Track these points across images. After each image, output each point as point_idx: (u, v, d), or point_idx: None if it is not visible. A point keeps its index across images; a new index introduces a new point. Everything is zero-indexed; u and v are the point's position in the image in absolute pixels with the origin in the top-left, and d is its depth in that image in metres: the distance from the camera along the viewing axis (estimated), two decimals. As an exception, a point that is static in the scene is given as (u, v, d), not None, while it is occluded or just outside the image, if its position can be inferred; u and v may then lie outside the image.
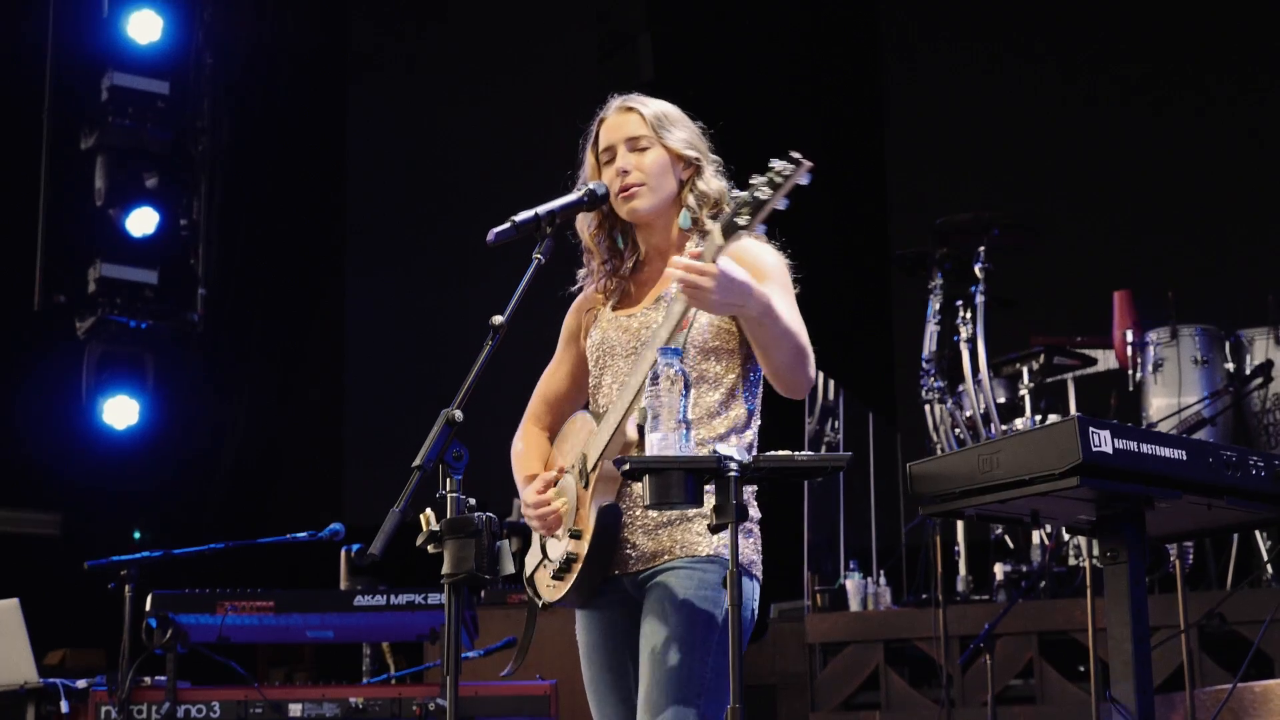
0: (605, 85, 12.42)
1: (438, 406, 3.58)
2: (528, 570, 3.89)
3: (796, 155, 3.37)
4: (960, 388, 9.18)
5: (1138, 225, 11.12)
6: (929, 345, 9.43)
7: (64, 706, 6.83)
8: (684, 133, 3.84)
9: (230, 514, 14.11)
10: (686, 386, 3.43)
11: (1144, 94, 11.62)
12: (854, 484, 9.79)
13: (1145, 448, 2.96)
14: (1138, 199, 11.31)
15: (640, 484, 3.41)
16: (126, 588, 6.61)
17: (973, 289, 9.17)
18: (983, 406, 9.02)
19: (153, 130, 13.60)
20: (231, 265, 14.11)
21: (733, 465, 3.18)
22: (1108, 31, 11.95)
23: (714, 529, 3.29)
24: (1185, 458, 3.02)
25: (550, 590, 3.76)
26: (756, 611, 3.75)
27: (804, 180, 3.38)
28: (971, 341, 9.08)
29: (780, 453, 3.36)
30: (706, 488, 3.32)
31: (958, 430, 9.19)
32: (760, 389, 3.85)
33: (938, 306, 9.45)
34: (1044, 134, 11.97)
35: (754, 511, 3.71)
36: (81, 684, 6.92)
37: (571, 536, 3.71)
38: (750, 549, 3.71)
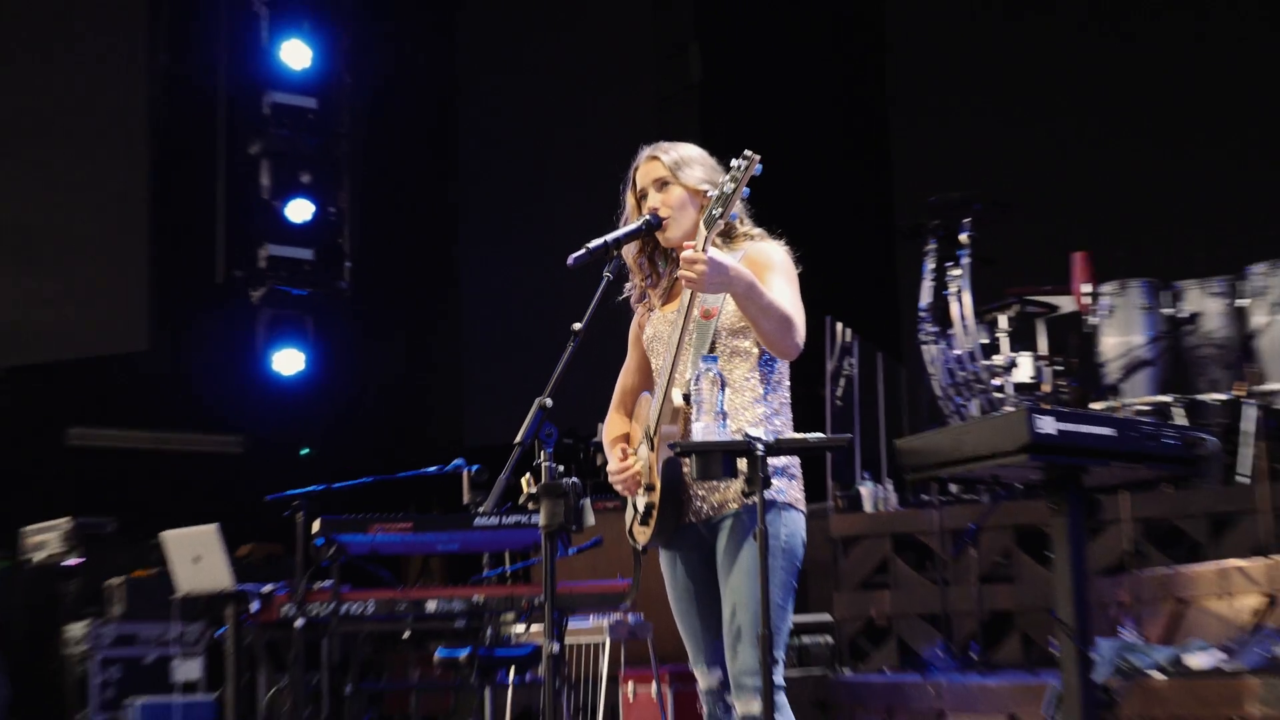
0: (663, 85, 12.52)
1: (536, 353, 3.70)
2: (627, 524, 3.96)
3: (748, 153, 3.53)
4: (950, 331, 9.22)
5: (1095, 196, 11.09)
6: (925, 297, 9.47)
7: (254, 606, 6.99)
8: (699, 170, 3.91)
9: (374, 438, 14.29)
10: (722, 385, 3.52)
11: (1100, 90, 11.54)
12: (866, 410, 9.83)
13: (1080, 428, 3.03)
14: (1096, 173, 11.28)
15: (688, 461, 3.51)
16: (299, 516, 6.75)
17: (959, 252, 9.22)
18: (969, 346, 9.09)
19: (305, 137, 13.74)
20: (370, 243, 14.24)
21: (758, 446, 3.26)
22: (1079, 28, 11.87)
23: (746, 495, 3.38)
24: (1115, 434, 3.08)
25: (643, 534, 3.85)
26: (804, 535, 3.83)
27: (757, 171, 3.55)
28: (959, 294, 9.15)
29: (796, 435, 3.45)
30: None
31: (949, 366, 9.24)
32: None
33: (932, 266, 9.49)
34: (1019, 120, 11.91)
35: (793, 461, 3.78)
36: (267, 588, 7.08)
37: (646, 490, 3.79)
38: (794, 489, 3.79)
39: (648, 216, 3.88)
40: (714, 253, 3.51)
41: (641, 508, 3.83)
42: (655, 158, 3.93)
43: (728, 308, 3.80)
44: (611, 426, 4.05)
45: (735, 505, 3.75)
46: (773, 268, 3.79)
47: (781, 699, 3.57)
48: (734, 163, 3.59)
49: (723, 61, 12.69)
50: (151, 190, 12.48)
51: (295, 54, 13.76)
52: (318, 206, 13.84)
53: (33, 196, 12.04)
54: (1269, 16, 10.87)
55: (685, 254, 3.52)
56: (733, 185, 3.56)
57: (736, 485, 3.70)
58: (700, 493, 3.79)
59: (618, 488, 3.90)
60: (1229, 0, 11.14)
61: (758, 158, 3.56)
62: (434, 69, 14.88)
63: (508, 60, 14.37)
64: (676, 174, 3.89)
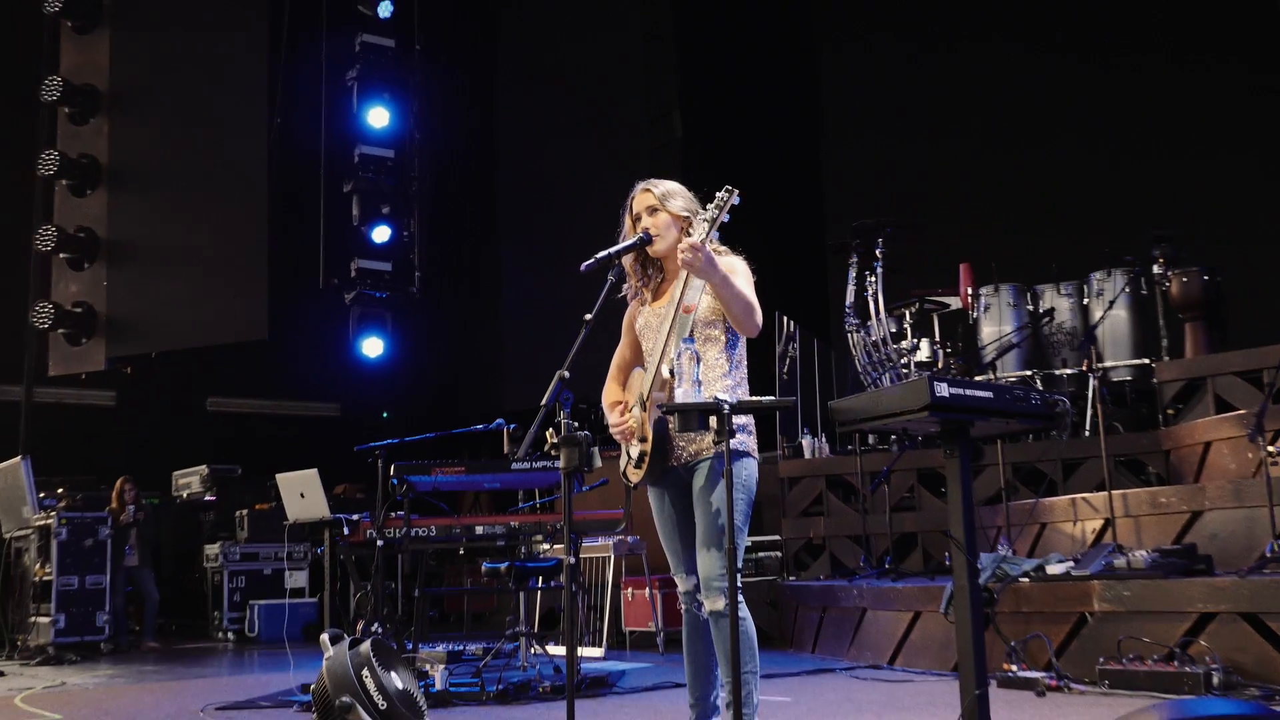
0: (653, 139, 12.48)
1: (561, 338, 3.67)
2: (621, 466, 3.93)
3: (729, 188, 3.56)
4: (868, 323, 9.17)
5: (977, 219, 11.04)
6: (849, 297, 9.41)
7: (345, 530, 6.96)
8: (681, 201, 3.89)
9: (436, 404, 14.32)
10: (698, 361, 3.49)
11: (982, 137, 11.52)
12: (805, 382, 9.80)
13: (967, 391, 2.99)
14: (977, 201, 11.25)
15: (672, 418, 3.47)
16: (379, 461, 6.73)
17: (875, 264, 9.15)
18: (881, 334, 9.04)
19: (385, 179, 13.82)
20: (434, 257, 14.30)
21: (725, 406, 3.23)
22: (968, 91, 11.84)
23: (715, 444, 3.35)
24: (993, 396, 3.04)
25: (635, 475, 3.83)
26: (757, 476, 3.81)
27: (736, 201, 3.59)
28: (875, 295, 9.09)
29: (753, 398, 3.42)
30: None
31: (867, 349, 9.19)
32: (743, 342, 3.90)
33: (854, 274, 9.43)
34: (919, 162, 11.88)
35: (748, 418, 3.77)
36: (355, 517, 7.06)
37: (640, 441, 3.77)
38: (750, 442, 3.77)
39: (641, 234, 3.85)
40: (708, 251, 3.54)
41: (635, 455, 3.82)
42: (648, 190, 3.91)
43: (702, 304, 3.80)
44: (609, 393, 4.03)
45: (708, 453, 3.73)
46: (737, 273, 3.79)
47: (740, 598, 3.56)
48: (719, 195, 3.62)
49: (698, 122, 12.71)
50: (270, 218, 12.49)
51: (377, 116, 13.80)
52: (394, 231, 13.88)
53: (182, 223, 12.03)
54: (1120, 75, 10.86)
55: (691, 240, 3.55)
56: (715, 212, 3.60)
57: (708, 438, 3.69)
58: (681, 443, 3.77)
59: (617, 439, 3.88)
60: (1094, 61, 11.08)
61: (737, 192, 3.60)
62: (480, 127, 14.94)
63: (534, 119, 14.40)
64: (664, 203, 3.88)
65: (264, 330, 12.00)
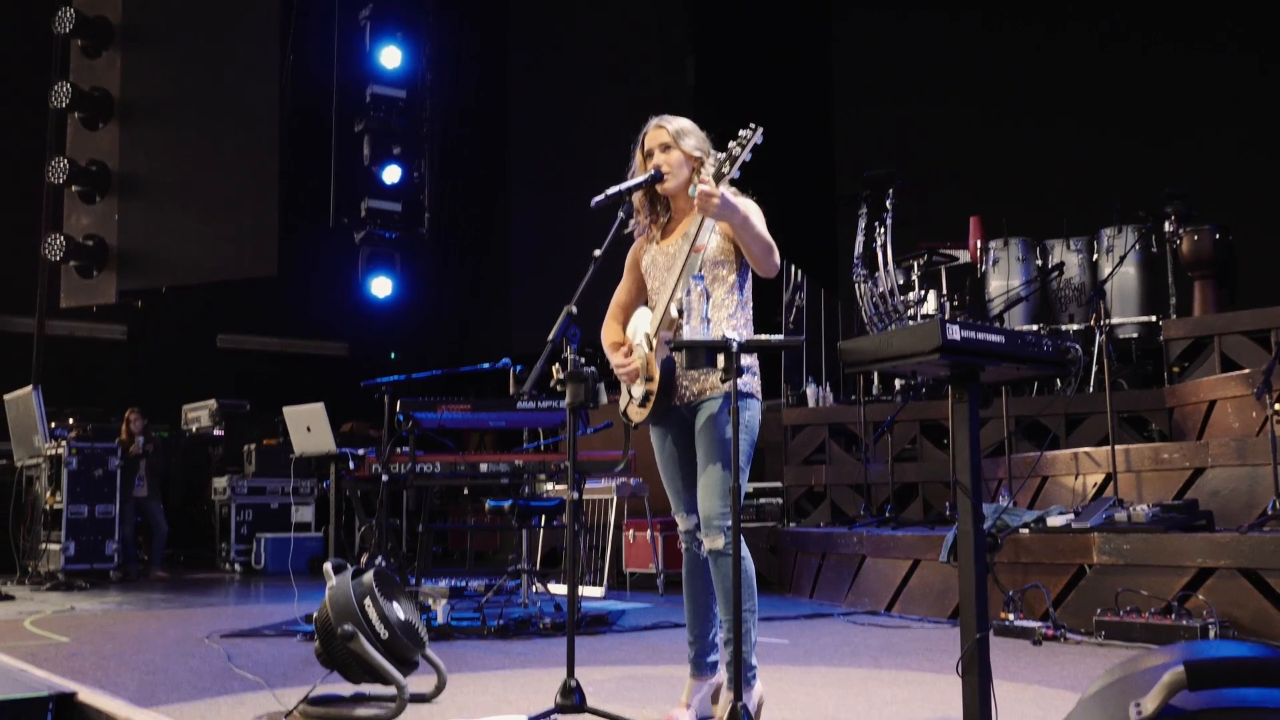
0: (665, 86, 12.38)
1: (569, 283, 3.62)
2: (622, 406, 3.90)
3: (753, 125, 3.45)
4: (876, 274, 9.11)
5: (988, 172, 10.93)
6: (858, 248, 9.35)
7: (351, 465, 6.96)
8: (693, 139, 3.81)
9: (443, 343, 14.30)
10: (706, 297, 3.45)
11: (997, 89, 11.38)
12: (811, 331, 9.76)
13: (979, 335, 2.93)
14: (989, 155, 11.10)
15: (679, 354, 3.44)
16: (385, 398, 6.71)
17: (884, 214, 9.09)
18: (889, 286, 8.98)
19: (396, 119, 13.75)
20: (444, 198, 14.23)
21: (733, 344, 3.19)
22: (981, 42, 11.69)
23: (723, 380, 3.31)
24: (1003, 340, 2.99)
25: (638, 414, 3.79)
26: (760, 418, 3.77)
27: (759, 140, 3.47)
28: (883, 246, 9.03)
29: (761, 336, 3.38)
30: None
31: (874, 300, 9.14)
32: (749, 284, 3.83)
33: (863, 225, 9.37)
34: (933, 113, 11.73)
35: (753, 360, 3.73)
36: (361, 452, 7.05)
37: (646, 380, 3.73)
38: (754, 383, 3.73)
39: (652, 171, 3.79)
40: (725, 191, 3.46)
41: (639, 394, 3.77)
42: (661, 126, 3.83)
43: (712, 243, 3.74)
44: (609, 332, 3.98)
45: (712, 393, 3.69)
46: (751, 213, 3.72)
47: (739, 537, 3.55)
48: (742, 132, 3.50)
49: (710, 70, 12.56)
50: (282, 156, 12.42)
51: (390, 57, 13.69)
52: (405, 171, 13.82)
53: (194, 158, 11.97)
54: (1126, 32, 10.71)
55: (703, 188, 3.46)
56: (739, 150, 3.49)
57: (713, 377, 3.66)
58: (685, 383, 3.73)
59: (620, 378, 3.84)
60: (1108, 19, 10.92)
61: (760, 130, 3.49)
62: (492, 70, 14.77)
63: (546, 64, 14.22)
64: (677, 140, 3.80)
65: (274, 267, 11.96)
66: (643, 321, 3.85)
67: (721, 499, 3.54)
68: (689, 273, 3.63)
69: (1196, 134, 9.98)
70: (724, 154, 3.53)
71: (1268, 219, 9.13)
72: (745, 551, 3.53)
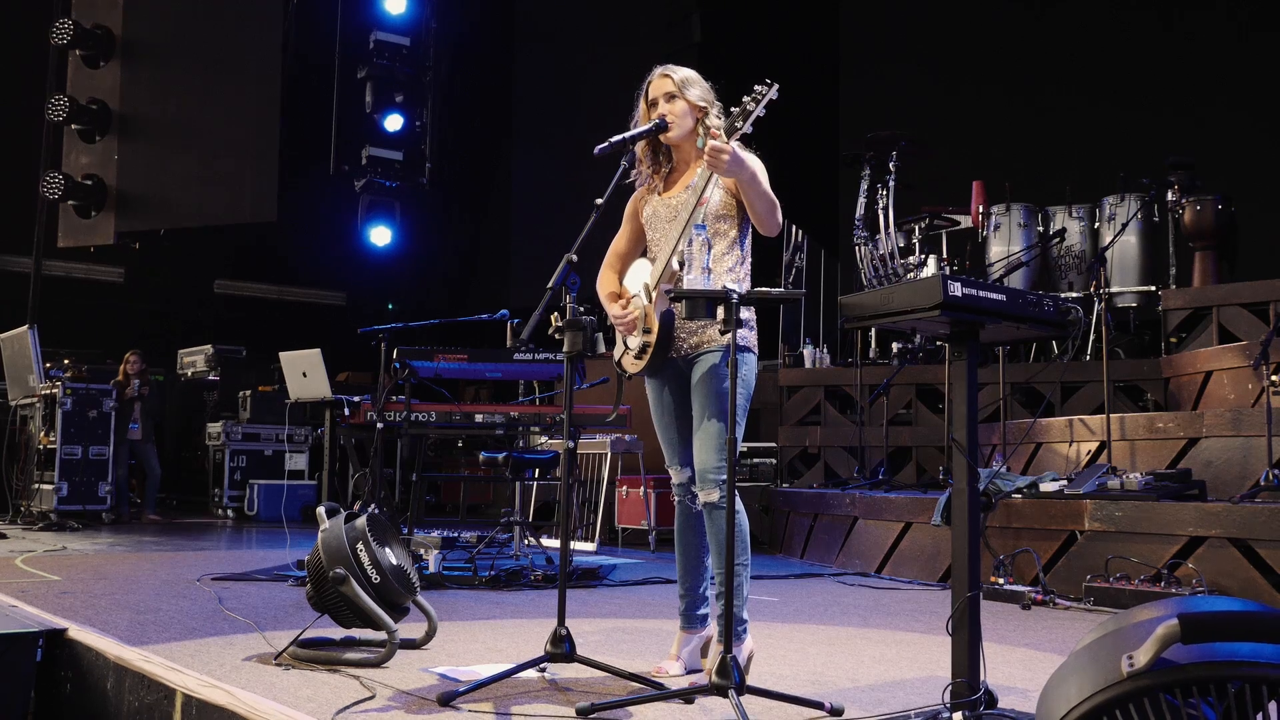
0: (670, 41, 12.30)
1: (570, 236, 3.58)
2: (616, 356, 3.88)
3: (769, 80, 3.40)
4: (877, 236, 9.07)
5: (991, 137, 10.88)
6: (859, 210, 9.30)
7: (346, 411, 6.93)
8: (698, 90, 3.76)
9: (442, 294, 14.27)
10: (709, 248, 3.41)
11: (1002, 55, 11.30)
12: (811, 292, 9.72)
13: (980, 293, 2.90)
14: (993, 119, 11.06)
15: (679, 305, 3.41)
16: (382, 345, 6.66)
17: (887, 176, 9.03)
18: (889, 249, 8.94)
19: (400, 67, 13.63)
20: (446, 148, 14.15)
21: (733, 295, 3.15)
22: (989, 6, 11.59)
23: (722, 332, 3.28)
24: (1004, 299, 2.96)
25: (634, 365, 3.76)
26: (756, 371, 3.75)
27: (774, 96, 3.42)
28: (885, 209, 8.99)
29: (761, 289, 3.34)
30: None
31: (874, 262, 9.10)
32: (750, 240, 3.79)
33: (865, 186, 9.32)
34: (937, 76, 11.69)
35: (751, 315, 3.70)
36: (357, 399, 7.01)
37: (644, 332, 3.70)
38: (752, 338, 3.71)
39: (657, 120, 3.73)
40: (736, 147, 3.41)
41: (637, 346, 3.75)
42: (667, 75, 3.78)
43: (715, 197, 3.70)
44: (606, 282, 3.94)
45: (708, 345, 3.67)
46: (758, 170, 3.68)
47: (734, 490, 3.55)
48: (757, 88, 3.44)
49: (716, 27, 12.45)
50: (283, 101, 12.33)
51: (394, 3, 13.60)
52: (407, 120, 13.73)
53: (195, 101, 11.88)
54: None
55: (715, 144, 3.40)
56: (753, 105, 3.43)
57: (711, 330, 3.64)
58: (683, 335, 3.71)
59: (617, 328, 3.81)
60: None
61: (776, 86, 3.43)
62: (497, 20, 14.66)
63: (552, 16, 14.11)
64: (683, 90, 3.76)
65: (273, 213, 11.91)
66: (641, 273, 3.82)
67: (717, 452, 3.52)
68: (692, 225, 3.59)
69: (1203, 104, 9.91)
70: (737, 109, 3.48)
71: (1270, 191, 9.08)
72: (740, 506, 3.51)
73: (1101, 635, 1.85)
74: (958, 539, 2.92)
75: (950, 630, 2.89)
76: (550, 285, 3.51)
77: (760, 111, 3.44)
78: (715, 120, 3.69)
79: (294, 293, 14.92)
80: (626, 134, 3.74)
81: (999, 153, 10.63)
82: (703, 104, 3.76)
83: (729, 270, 3.69)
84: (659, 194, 3.86)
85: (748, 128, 3.47)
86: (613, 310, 3.82)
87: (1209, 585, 5.07)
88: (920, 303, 2.87)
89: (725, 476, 3.40)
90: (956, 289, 2.84)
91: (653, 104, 3.78)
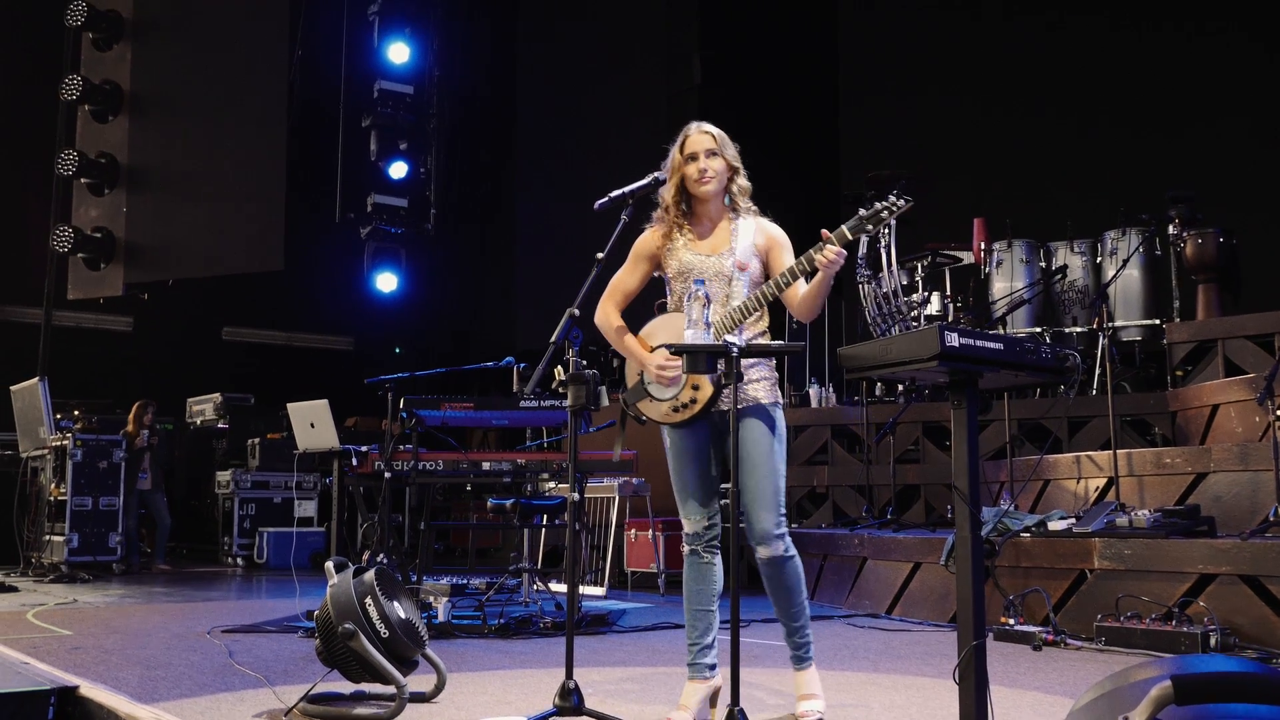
0: (671, 85, 12.36)
1: (574, 280, 3.60)
2: (630, 399, 3.86)
3: (906, 197, 3.44)
4: (880, 274, 9.08)
5: (992, 175, 10.93)
6: (861, 248, 9.32)
7: (354, 461, 6.93)
8: (732, 150, 3.85)
9: (448, 341, 14.30)
10: (708, 303, 3.44)
11: (1002, 93, 11.36)
12: (815, 332, 9.73)
13: (977, 342, 2.92)
14: (994, 156, 11.09)
15: (679, 358, 3.43)
16: (389, 395, 6.69)
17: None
18: (893, 287, 8.95)
19: (403, 115, 13.75)
20: (450, 194, 14.21)
21: (734, 349, 3.17)
22: (988, 45, 11.66)
23: (719, 387, 3.29)
24: (1002, 347, 2.97)
25: (665, 417, 3.75)
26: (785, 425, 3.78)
27: (905, 208, 3.47)
28: (888, 247, 9.00)
29: (762, 341, 3.37)
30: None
31: (878, 300, 9.12)
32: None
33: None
34: (937, 115, 11.74)
35: (771, 371, 3.74)
36: (364, 449, 7.02)
37: (693, 389, 3.70)
38: (777, 391, 3.75)
39: (657, 175, 3.79)
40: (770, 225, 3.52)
41: (674, 398, 3.73)
42: (707, 132, 3.85)
43: (754, 266, 3.76)
44: (610, 316, 3.92)
45: (747, 403, 3.68)
46: (787, 248, 3.76)
47: (789, 540, 3.67)
48: (891, 198, 3.48)
49: (717, 68, 12.54)
50: (289, 151, 12.41)
51: (398, 52, 13.71)
52: (411, 167, 13.83)
53: (202, 152, 11.97)
54: (1135, 33, 10.68)
55: (836, 248, 3.48)
56: (887, 214, 3.48)
57: (752, 389, 3.68)
58: (726, 394, 3.71)
59: (651, 374, 3.78)
60: (1115, 20, 10.88)
61: (910, 202, 3.48)
62: (500, 67, 14.78)
63: (554, 62, 14.24)
64: (722, 150, 3.83)
65: (280, 261, 11.96)
66: (672, 326, 3.81)
67: (774, 511, 3.62)
68: (751, 290, 3.66)
69: (1202, 137, 9.95)
70: (868, 211, 3.51)
71: (1272, 222, 9.10)
72: (794, 549, 3.70)
73: (1098, 695, 1.85)
74: (962, 587, 2.92)
75: (957, 680, 2.88)
76: (553, 339, 3.54)
77: (891, 221, 3.51)
78: (743, 181, 3.84)
79: (302, 338, 14.96)
80: (625, 189, 3.77)
81: (999, 188, 10.69)
82: (736, 164, 3.87)
83: (755, 322, 3.75)
84: (688, 245, 3.86)
85: (870, 230, 3.55)
86: (652, 359, 3.80)
87: (1221, 624, 5.04)
88: (918, 353, 2.88)
89: (783, 530, 3.63)
90: (954, 339, 2.85)
91: (692, 157, 3.83)
